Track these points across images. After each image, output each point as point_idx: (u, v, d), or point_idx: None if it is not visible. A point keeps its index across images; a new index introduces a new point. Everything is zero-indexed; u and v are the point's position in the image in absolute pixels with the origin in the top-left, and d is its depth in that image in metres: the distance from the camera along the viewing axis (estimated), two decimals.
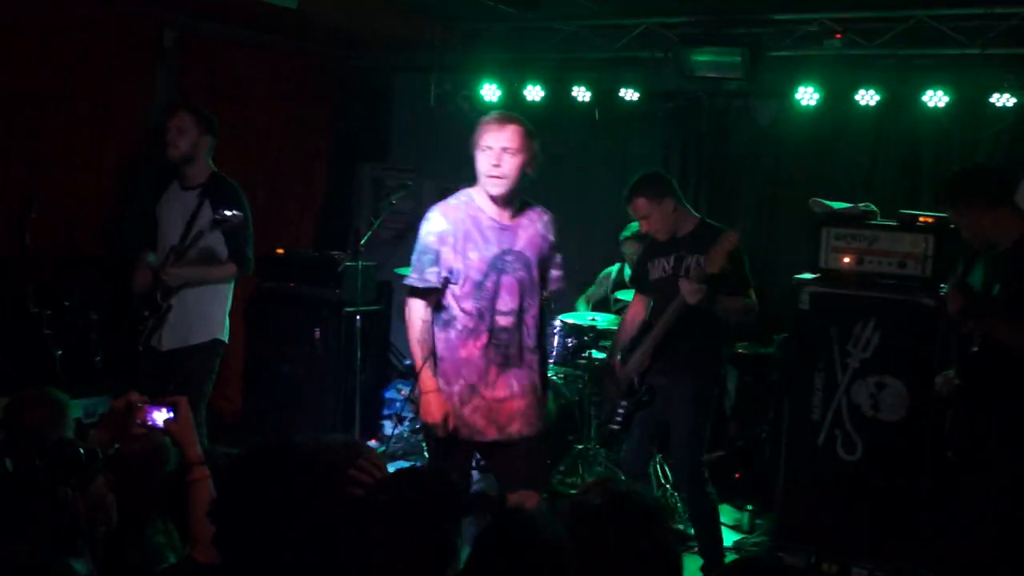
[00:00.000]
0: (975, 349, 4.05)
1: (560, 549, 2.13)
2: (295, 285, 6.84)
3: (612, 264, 6.80)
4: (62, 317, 5.71)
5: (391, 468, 2.43)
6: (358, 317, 6.36)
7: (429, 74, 7.31)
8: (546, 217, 4.10)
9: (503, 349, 3.97)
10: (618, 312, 6.33)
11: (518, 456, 4.02)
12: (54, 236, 5.85)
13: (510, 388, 4.00)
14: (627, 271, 6.34)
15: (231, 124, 6.89)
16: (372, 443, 6.84)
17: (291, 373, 6.77)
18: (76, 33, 6.00)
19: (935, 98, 5.86)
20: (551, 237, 4.10)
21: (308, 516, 2.11)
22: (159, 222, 5.00)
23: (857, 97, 6.06)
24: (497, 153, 3.84)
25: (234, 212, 4.75)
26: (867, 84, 6.02)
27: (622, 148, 7.27)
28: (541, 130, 4.01)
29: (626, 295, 5.98)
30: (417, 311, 4.00)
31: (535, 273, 4.02)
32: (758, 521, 5.76)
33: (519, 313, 3.98)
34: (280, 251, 6.99)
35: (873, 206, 5.26)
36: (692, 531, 5.02)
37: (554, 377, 6.00)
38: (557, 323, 6.29)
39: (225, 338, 5.08)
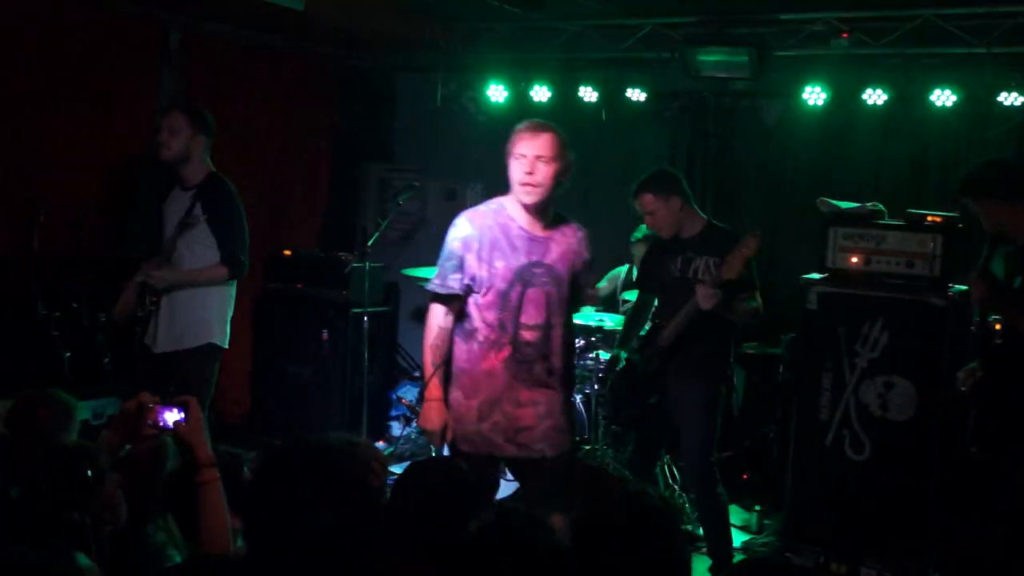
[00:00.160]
0: (998, 342, 4.05)
1: (554, 555, 2.11)
2: (302, 286, 6.84)
3: (620, 264, 6.79)
4: (70, 319, 5.72)
5: (397, 468, 2.44)
6: (365, 318, 6.37)
7: (433, 74, 7.31)
8: (581, 233, 4.00)
9: (527, 365, 3.84)
10: (625, 313, 6.33)
11: (543, 475, 3.89)
12: (60, 238, 5.86)
13: (534, 407, 3.87)
14: (635, 272, 6.33)
15: (234, 125, 6.91)
16: (380, 444, 6.85)
17: (298, 374, 6.78)
18: (80, 34, 6.01)
19: (942, 97, 5.85)
20: (586, 254, 4.00)
21: (336, 511, 2.12)
22: (163, 223, 4.98)
23: (864, 96, 6.05)
24: (531, 161, 3.75)
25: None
26: (874, 83, 6.01)
27: (629, 148, 7.27)
28: None
29: (633, 295, 5.98)
30: (435, 317, 3.92)
31: (565, 289, 3.91)
32: (766, 521, 5.75)
33: (546, 329, 3.86)
34: (287, 252, 7.00)
35: (880, 205, 5.25)
36: (700, 531, 5.01)
37: None
38: None
39: (222, 343, 4.96)
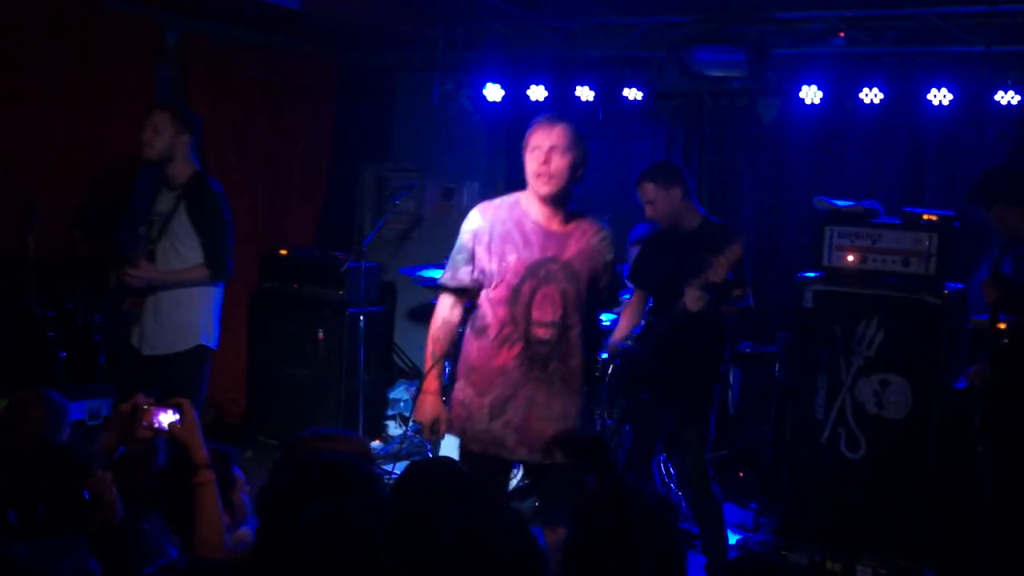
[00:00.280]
0: (1005, 342, 4.10)
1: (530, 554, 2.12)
2: (298, 286, 6.84)
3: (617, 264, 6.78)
4: (65, 319, 5.71)
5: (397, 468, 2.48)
6: (362, 318, 6.37)
7: (431, 73, 7.30)
8: (603, 232, 3.88)
9: (541, 363, 3.72)
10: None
11: (561, 484, 3.68)
12: (56, 238, 5.85)
13: (548, 409, 3.73)
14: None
15: (231, 124, 6.91)
16: (376, 444, 6.85)
17: (294, 374, 6.78)
18: (76, 33, 5.99)
19: (939, 96, 5.85)
20: (608, 255, 3.88)
21: (348, 514, 2.14)
22: (150, 222, 4.92)
23: (861, 95, 6.04)
24: (545, 152, 3.68)
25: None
26: (871, 82, 6.01)
27: (625, 147, 7.26)
28: None
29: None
30: (442, 309, 3.87)
31: (584, 288, 3.77)
32: (762, 519, 5.75)
33: (561, 328, 3.73)
34: (283, 252, 7.00)
35: (877, 204, 5.26)
36: (695, 530, 5.01)
37: None
38: None
39: (211, 343, 4.92)
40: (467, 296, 3.85)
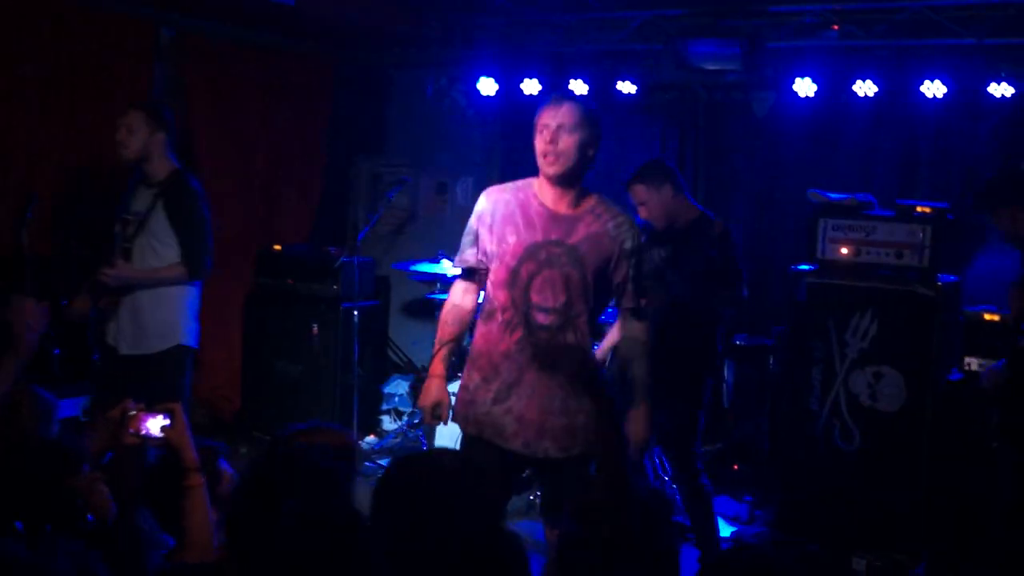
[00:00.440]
0: None
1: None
2: (293, 282, 6.83)
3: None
4: (59, 316, 5.69)
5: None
6: (356, 313, 6.36)
7: (425, 69, 7.30)
8: (621, 218, 3.68)
9: (543, 350, 3.57)
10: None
11: (565, 480, 3.62)
12: (50, 235, 5.84)
13: (549, 400, 3.60)
14: None
15: (227, 120, 6.90)
16: (371, 439, 6.85)
17: (289, 370, 6.77)
18: (72, 31, 5.98)
19: (932, 89, 5.85)
20: (626, 243, 3.66)
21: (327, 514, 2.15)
22: (128, 220, 4.88)
23: (855, 88, 6.05)
24: (553, 131, 3.55)
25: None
26: (864, 75, 6.01)
27: (619, 141, 7.25)
28: None
29: None
30: (453, 293, 3.85)
31: (591, 274, 3.60)
32: (757, 512, 5.75)
33: (564, 314, 3.59)
34: (277, 247, 6.98)
35: (871, 196, 5.26)
36: (689, 523, 5.03)
37: None
38: None
39: (191, 343, 4.87)
40: (477, 280, 3.81)
